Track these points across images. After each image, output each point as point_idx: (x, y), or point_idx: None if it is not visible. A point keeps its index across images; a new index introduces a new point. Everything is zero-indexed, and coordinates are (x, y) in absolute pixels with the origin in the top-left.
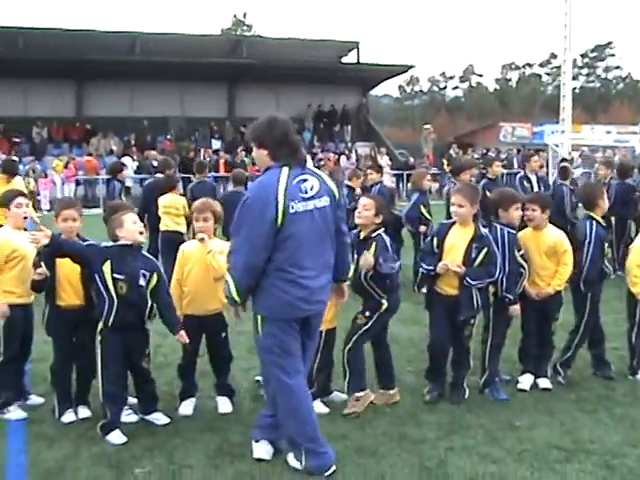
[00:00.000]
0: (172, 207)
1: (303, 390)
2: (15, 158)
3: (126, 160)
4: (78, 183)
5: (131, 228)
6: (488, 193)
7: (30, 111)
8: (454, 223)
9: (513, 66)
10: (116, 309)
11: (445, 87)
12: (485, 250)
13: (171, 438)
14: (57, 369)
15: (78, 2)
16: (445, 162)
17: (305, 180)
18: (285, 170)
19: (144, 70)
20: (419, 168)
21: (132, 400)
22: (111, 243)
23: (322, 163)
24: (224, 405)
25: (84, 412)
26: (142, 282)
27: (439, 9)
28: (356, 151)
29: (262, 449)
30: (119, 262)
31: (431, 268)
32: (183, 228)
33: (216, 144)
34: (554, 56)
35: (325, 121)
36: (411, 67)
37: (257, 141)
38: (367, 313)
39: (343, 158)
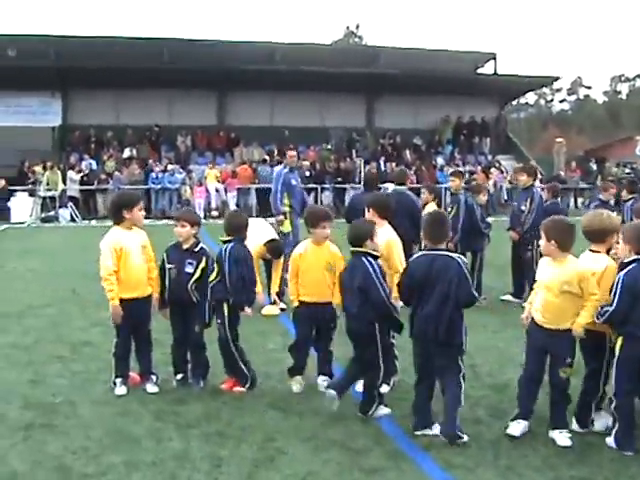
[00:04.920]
0: None
1: None
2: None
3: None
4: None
5: None
6: None
7: (174, 120)
8: None
9: (623, 78)
10: None
11: (552, 100)
12: None
13: None
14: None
15: (218, 14)
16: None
17: None
18: None
19: (284, 80)
20: None
21: None
22: None
23: (474, 177)
24: None
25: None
26: None
27: (543, 21)
28: (499, 163)
29: None
30: None
31: None
32: None
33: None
34: None
35: (464, 133)
36: (557, 79)
37: None
38: None
39: (494, 171)
